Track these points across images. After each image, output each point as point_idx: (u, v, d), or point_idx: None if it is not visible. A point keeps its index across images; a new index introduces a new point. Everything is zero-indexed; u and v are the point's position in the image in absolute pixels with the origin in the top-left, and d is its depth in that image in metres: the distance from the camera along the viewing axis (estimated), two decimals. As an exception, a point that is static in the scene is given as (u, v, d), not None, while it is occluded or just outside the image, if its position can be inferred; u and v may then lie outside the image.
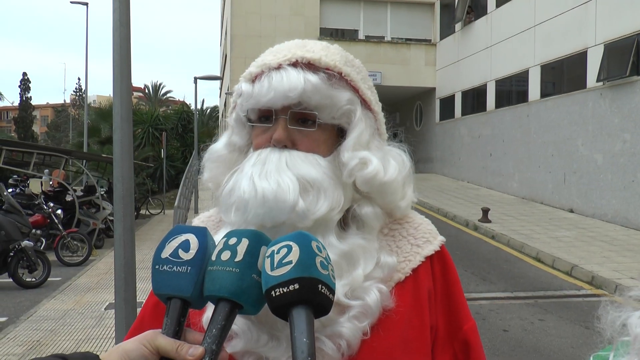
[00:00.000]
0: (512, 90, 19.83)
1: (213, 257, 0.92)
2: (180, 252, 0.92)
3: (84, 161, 19.94)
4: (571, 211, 15.58)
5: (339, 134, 1.20)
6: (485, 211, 14.53)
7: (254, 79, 1.18)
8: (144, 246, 14.24)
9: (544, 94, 17.56)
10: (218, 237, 1.02)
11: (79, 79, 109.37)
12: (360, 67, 1.24)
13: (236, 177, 1.14)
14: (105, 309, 8.48)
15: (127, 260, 4.21)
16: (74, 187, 16.83)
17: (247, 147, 1.23)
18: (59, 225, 12.87)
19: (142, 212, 22.29)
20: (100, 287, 10.01)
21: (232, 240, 0.93)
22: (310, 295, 0.86)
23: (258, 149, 1.17)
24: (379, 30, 26.87)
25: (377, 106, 1.24)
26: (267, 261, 0.89)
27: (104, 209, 15.33)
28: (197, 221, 1.35)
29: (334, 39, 26.51)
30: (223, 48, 36.99)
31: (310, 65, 1.14)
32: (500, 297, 8.56)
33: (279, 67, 1.14)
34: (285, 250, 0.89)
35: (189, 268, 0.91)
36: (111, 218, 14.40)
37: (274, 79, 1.13)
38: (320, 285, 0.86)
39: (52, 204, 13.64)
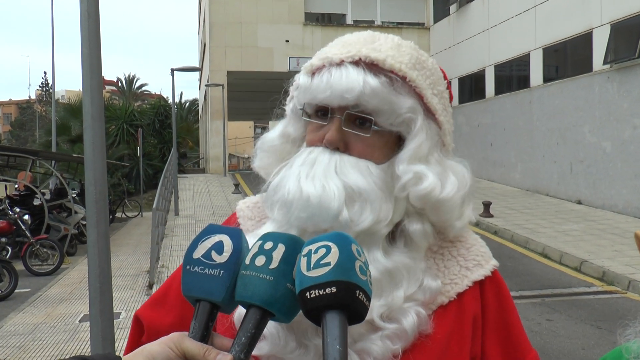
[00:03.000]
0: (512, 76, 19.91)
1: (247, 261, 0.93)
2: (213, 254, 0.94)
3: (53, 162, 19.79)
4: (579, 203, 15.69)
5: (398, 141, 1.19)
6: (487, 205, 14.60)
7: (314, 72, 1.19)
8: (120, 252, 14.18)
9: (547, 78, 17.65)
10: (262, 230, 1.09)
11: (45, 72, 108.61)
12: (432, 70, 1.22)
13: (283, 174, 1.16)
14: (79, 321, 8.44)
15: (102, 268, 4.18)
16: (42, 190, 16.69)
17: (301, 140, 1.25)
18: (27, 232, 12.77)
19: (118, 215, 22.22)
20: (74, 297, 9.96)
21: (268, 245, 0.94)
22: (347, 300, 0.86)
23: (311, 145, 1.18)
24: (368, 14, 26.88)
25: (443, 115, 1.22)
26: (304, 260, 0.90)
27: (76, 212, 15.24)
28: (242, 205, 1.37)
29: (320, 24, 26.51)
30: (201, 37, 36.86)
31: (373, 66, 1.14)
32: (504, 297, 8.59)
33: (340, 64, 1.15)
34: (323, 250, 0.90)
35: (222, 272, 0.93)
36: (84, 222, 14.32)
37: (333, 76, 1.13)
38: (358, 291, 0.87)
39: (18, 209, 13.55)
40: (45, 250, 12.58)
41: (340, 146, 1.14)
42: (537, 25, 17.98)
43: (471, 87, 22.67)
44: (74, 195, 16.57)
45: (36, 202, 15.38)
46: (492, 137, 20.63)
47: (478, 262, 1.21)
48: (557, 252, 10.92)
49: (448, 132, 1.24)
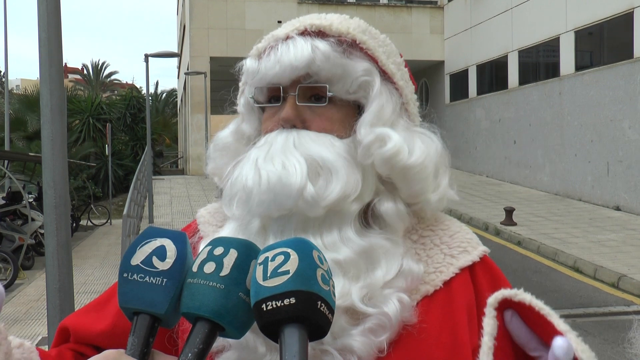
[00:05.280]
0: (539, 63, 19.95)
1: (194, 268, 0.94)
2: (155, 260, 0.94)
3: (6, 161, 19.76)
4: (617, 209, 15.71)
5: (357, 113, 1.25)
6: (509, 211, 14.59)
7: (260, 55, 1.26)
8: (85, 265, 14.15)
9: (580, 66, 17.69)
10: (222, 234, 1.12)
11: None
12: (385, 42, 1.30)
13: (241, 166, 1.22)
14: (36, 345, 8.41)
15: (62, 284, 4.18)
16: (-5, 194, 16.68)
17: (257, 136, 1.30)
18: (-23, 243, 12.76)
19: (83, 222, 22.16)
20: (30, 317, 9.93)
21: (218, 250, 0.95)
22: (308, 312, 0.87)
23: (267, 133, 1.24)
24: (373, -10, 26.91)
25: (403, 82, 1.30)
26: (259, 269, 0.91)
27: (33, 220, 15.20)
28: (203, 211, 1.43)
29: (317, 2, 26.52)
30: (180, 17, 36.87)
31: (321, 34, 1.23)
32: (530, 318, 8.59)
33: (287, 38, 1.23)
34: (281, 257, 0.91)
35: (165, 280, 0.93)
36: (42, 231, 14.29)
37: (279, 51, 1.21)
38: (319, 302, 0.88)
39: (-33, 216, 13.51)
40: (-4, 263, 12.56)
41: (297, 124, 1.21)
42: (568, 3, 18.02)
43: (492, 76, 22.71)
44: (30, 200, 16.52)
45: (-13, 208, 15.34)
46: (515, 134, 20.65)
47: (464, 249, 1.25)
48: (591, 266, 10.92)
49: (412, 102, 1.31)
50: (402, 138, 1.21)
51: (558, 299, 9.51)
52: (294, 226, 1.15)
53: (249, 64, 1.28)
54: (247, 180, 1.16)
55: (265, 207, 1.13)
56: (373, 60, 1.25)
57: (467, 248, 1.26)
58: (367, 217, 1.22)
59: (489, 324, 0.89)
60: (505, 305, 0.90)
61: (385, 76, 1.26)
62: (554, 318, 0.86)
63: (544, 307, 0.87)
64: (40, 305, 10.31)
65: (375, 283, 1.13)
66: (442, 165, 1.26)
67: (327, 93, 1.21)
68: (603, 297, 9.67)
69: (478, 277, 1.24)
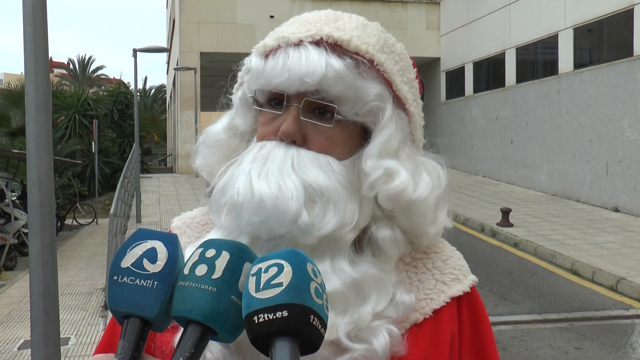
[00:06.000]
0: (537, 60, 19.99)
1: (186, 271, 0.95)
2: (145, 263, 0.95)
3: (-10, 158, 19.69)
4: (616, 210, 15.77)
5: (362, 134, 1.22)
6: (506, 212, 14.63)
7: (268, 54, 1.21)
8: (70, 266, 14.11)
9: (579, 64, 17.74)
10: (208, 237, 1.09)
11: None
12: (401, 55, 1.26)
13: (232, 172, 1.19)
14: (18, 348, 8.38)
15: (46, 285, 4.16)
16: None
17: (251, 134, 1.28)
18: (-42, 242, 12.71)
19: (68, 222, 22.12)
20: (12, 320, 9.89)
21: (210, 253, 0.95)
22: (300, 326, 0.88)
23: (262, 139, 1.20)
24: (368, -15, 26.90)
25: (414, 106, 1.27)
26: (252, 280, 0.91)
27: (16, 219, 15.16)
28: (177, 222, 1.40)
29: (311, -4, 26.49)
30: (170, 11, 36.79)
31: (337, 47, 1.17)
32: (525, 321, 8.62)
33: (299, 44, 1.17)
34: (275, 269, 0.91)
35: (156, 283, 0.94)
36: (25, 230, 14.23)
37: (290, 58, 1.15)
38: (312, 316, 0.89)
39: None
40: (-21, 263, 12.51)
41: (297, 139, 1.16)
42: (567, 0, 18.05)
43: (488, 74, 22.75)
44: (13, 199, 16.48)
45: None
46: (512, 133, 20.69)
47: (456, 277, 1.25)
48: (589, 268, 10.95)
49: (419, 125, 1.28)
50: (409, 172, 1.18)
51: (555, 303, 9.54)
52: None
53: (254, 62, 1.22)
54: (237, 195, 1.13)
55: (254, 227, 1.11)
56: (387, 82, 1.21)
57: (459, 276, 1.26)
58: (361, 242, 1.20)
59: None
60: None
61: (398, 101, 1.23)
62: None
63: None
64: (23, 307, 10.27)
65: (362, 319, 1.11)
66: (442, 198, 1.24)
67: (335, 115, 1.16)
68: (601, 300, 9.70)
69: (462, 309, 1.25)
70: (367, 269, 1.15)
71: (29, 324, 4.18)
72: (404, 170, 1.17)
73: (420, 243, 1.25)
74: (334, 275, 1.12)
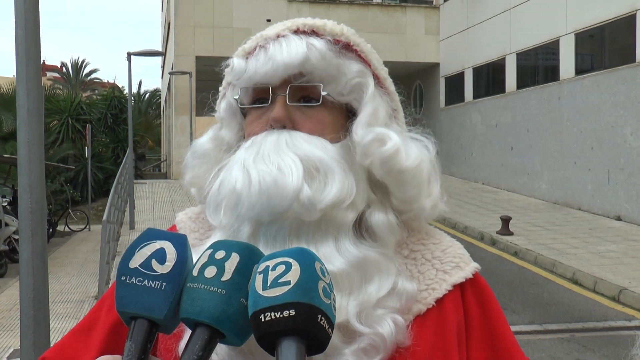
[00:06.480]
0: (538, 66, 20.03)
1: (195, 272, 0.95)
2: (154, 264, 0.95)
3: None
4: (618, 219, 15.79)
5: (349, 115, 1.27)
6: (506, 220, 14.63)
7: (248, 55, 1.27)
8: (62, 273, 14.07)
9: (580, 70, 17.77)
10: (209, 242, 1.11)
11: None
12: (372, 49, 1.33)
13: (226, 169, 1.21)
14: (7, 357, 8.35)
15: (37, 292, 4.15)
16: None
17: (238, 142, 1.29)
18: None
19: (60, 228, 22.06)
20: (2, 328, 9.87)
21: (220, 254, 0.96)
22: (307, 325, 0.88)
23: (254, 136, 1.23)
24: (366, -11, 26.97)
25: (393, 87, 1.34)
26: (259, 278, 0.92)
27: (6, 225, 15.13)
28: (183, 216, 1.42)
29: (309, 0, 26.54)
30: (165, 15, 36.82)
31: (314, 33, 1.24)
32: (525, 331, 8.59)
33: (278, 37, 1.24)
34: (282, 267, 0.92)
35: (164, 284, 0.94)
36: (16, 237, 14.20)
37: (271, 49, 1.21)
38: (319, 316, 0.89)
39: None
40: (-32, 270, 12.48)
41: (287, 124, 1.20)
42: (568, 5, 18.11)
43: (488, 79, 22.79)
44: (4, 204, 16.44)
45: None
46: (512, 140, 20.72)
47: (456, 264, 1.27)
48: (590, 278, 10.95)
49: (400, 110, 1.35)
50: (400, 139, 1.22)
51: (556, 313, 9.53)
52: (287, 232, 1.14)
53: (235, 63, 1.27)
54: (236, 183, 1.14)
55: (257, 211, 1.12)
56: (365, 63, 1.27)
57: (460, 264, 1.27)
58: (360, 229, 1.22)
59: None
60: None
61: (377, 80, 1.29)
62: None
63: None
64: (13, 315, 10.25)
65: (368, 300, 1.13)
66: (433, 171, 1.28)
67: (321, 92, 1.21)
68: (603, 311, 9.70)
69: (468, 296, 1.26)
70: (369, 252, 1.17)
71: (19, 333, 4.17)
72: (394, 134, 1.22)
73: (419, 223, 1.29)
74: (339, 255, 1.14)
